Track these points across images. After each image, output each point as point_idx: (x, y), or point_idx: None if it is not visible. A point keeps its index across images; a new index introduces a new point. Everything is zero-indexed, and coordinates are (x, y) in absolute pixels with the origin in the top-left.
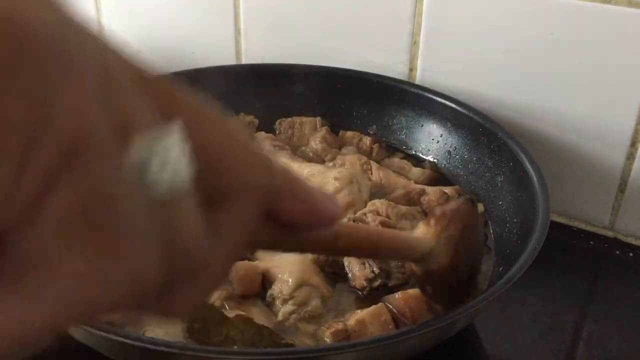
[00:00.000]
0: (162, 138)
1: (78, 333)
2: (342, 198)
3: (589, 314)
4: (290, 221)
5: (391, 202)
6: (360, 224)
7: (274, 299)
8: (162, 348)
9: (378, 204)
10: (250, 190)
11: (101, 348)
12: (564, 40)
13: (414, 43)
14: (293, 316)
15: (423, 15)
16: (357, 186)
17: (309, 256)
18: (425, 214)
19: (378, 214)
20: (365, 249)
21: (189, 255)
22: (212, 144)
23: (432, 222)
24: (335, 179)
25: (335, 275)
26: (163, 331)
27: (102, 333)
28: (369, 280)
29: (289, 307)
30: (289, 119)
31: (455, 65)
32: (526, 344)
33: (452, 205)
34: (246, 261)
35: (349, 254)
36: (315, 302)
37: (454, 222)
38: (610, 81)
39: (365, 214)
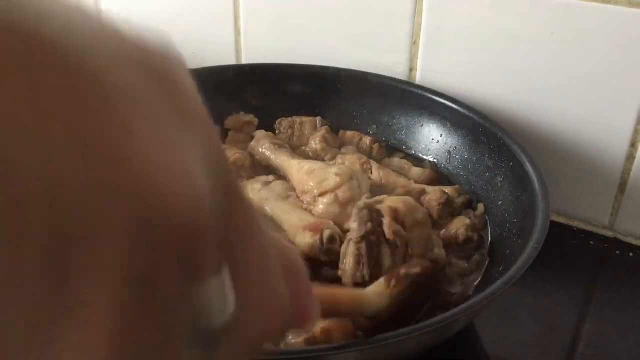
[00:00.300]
0: (214, 285)
1: None
2: (343, 194)
3: (589, 314)
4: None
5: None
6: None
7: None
8: None
9: (400, 203)
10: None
11: None
12: (564, 40)
13: (414, 43)
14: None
15: (423, 15)
16: (357, 182)
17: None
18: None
19: (397, 219)
20: (329, 310)
21: None
22: (249, 293)
23: (392, 282)
24: (336, 174)
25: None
26: None
27: None
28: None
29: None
30: (289, 118)
31: (455, 65)
32: (526, 344)
33: (417, 269)
34: None
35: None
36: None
37: (412, 286)
38: (610, 81)
39: (381, 222)
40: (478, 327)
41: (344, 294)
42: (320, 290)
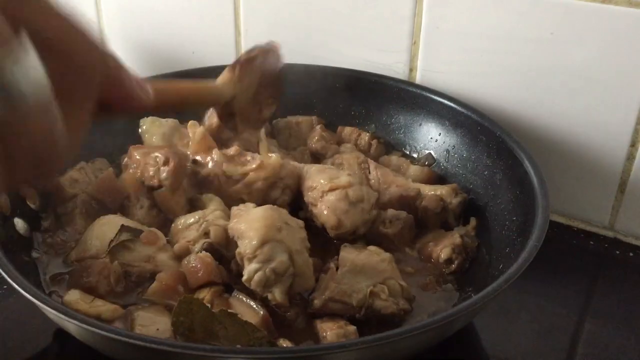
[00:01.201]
0: (13, 50)
1: (78, 332)
2: (353, 192)
3: (589, 314)
4: (110, 103)
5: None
6: (171, 80)
7: (241, 258)
8: (163, 347)
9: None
10: (90, 75)
11: (103, 347)
12: (564, 39)
13: (414, 43)
14: (258, 274)
15: (423, 15)
16: (366, 189)
17: (274, 214)
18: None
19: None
20: (178, 103)
21: (53, 150)
22: (58, 39)
23: (236, 69)
24: (349, 174)
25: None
26: (154, 328)
27: (103, 332)
28: None
29: (253, 265)
30: (285, 119)
31: (455, 65)
32: (526, 344)
33: (254, 52)
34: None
35: (165, 109)
36: (280, 258)
37: (254, 71)
38: (610, 81)
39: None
40: (478, 326)
41: (193, 87)
42: (181, 87)
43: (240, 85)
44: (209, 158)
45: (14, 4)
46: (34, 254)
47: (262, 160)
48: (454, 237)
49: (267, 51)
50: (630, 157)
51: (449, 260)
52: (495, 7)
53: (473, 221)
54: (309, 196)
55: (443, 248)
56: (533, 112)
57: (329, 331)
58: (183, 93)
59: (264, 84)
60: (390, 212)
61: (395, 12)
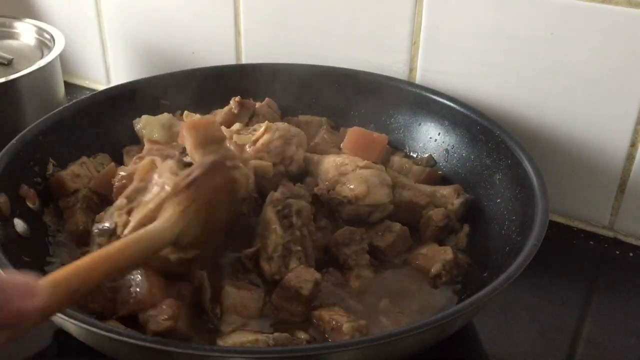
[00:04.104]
0: None
1: (78, 332)
2: (386, 176)
3: (589, 314)
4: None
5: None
6: (85, 258)
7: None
8: (163, 347)
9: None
10: None
11: (103, 347)
12: (563, 39)
13: (414, 43)
14: None
15: (423, 15)
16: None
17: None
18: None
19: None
20: (105, 278)
21: None
22: None
23: (176, 201)
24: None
25: None
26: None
27: (103, 332)
28: None
29: None
30: (296, 118)
31: (455, 65)
32: (526, 344)
33: (197, 172)
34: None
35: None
36: None
37: (200, 191)
38: (610, 81)
39: None
40: (478, 326)
41: (129, 240)
42: (98, 257)
43: (184, 217)
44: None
45: None
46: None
47: (268, 124)
48: (447, 253)
49: (210, 170)
50: (630, 157)
51: (438, 275)
52: (495, 7)
53: (466, 228)
54: (332, 173)
55: (434, 263)
56: (533, 112)
57: (345, 323)
58: (105, 265)
59: (214, 202)
60: (386, 223)
61: (395, 13)
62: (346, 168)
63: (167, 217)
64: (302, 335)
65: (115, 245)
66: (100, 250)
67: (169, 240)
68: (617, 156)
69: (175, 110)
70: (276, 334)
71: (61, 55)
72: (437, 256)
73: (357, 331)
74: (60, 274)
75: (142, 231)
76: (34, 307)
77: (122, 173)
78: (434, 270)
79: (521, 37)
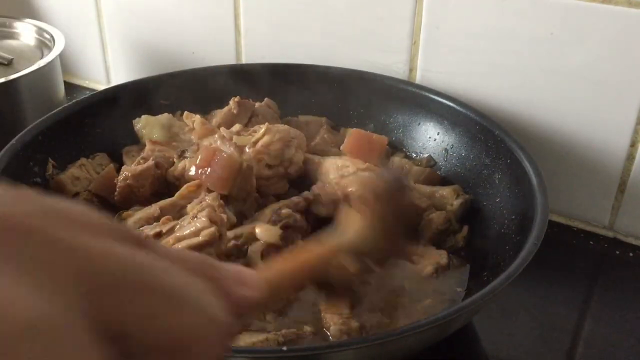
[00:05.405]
0: None
1: None
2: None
3: (589, 314)
4: None
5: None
6: (289, 260)
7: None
8: None
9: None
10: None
11: None
12: (563, 40)
13: (414, 43)
14: None
15: (423, 15)
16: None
17: None
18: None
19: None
20: (298, 286)
21: None
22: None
23: (361, 209)
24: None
25: None
26: None
27: None
28: None
29: None
30: (295, 118)
31: (455, 65)
32: (526, 344)
33: (378, 184)
34: None
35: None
36: None
37: (382, 202)
38: (610, 81)
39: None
40: (477, 326)
41: (324, 252)
42: (297, 264)
43: (373, 229)
44: (215, 137)
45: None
46: None
47: (268, 126)
48: (441, 257)
49: (398, 187)
50: (630, 157)
51: (429, 275)
52: (495, 7)
53: (465, 229)
54: (333, 175)
55: (427, 265)
56: (533, 112)
57: (333, 325)
58: (299, 273)
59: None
60: None
61: (395, 12)
62: (347, 170)
63: (357, 228)
64: (309, 328)
65: (316, 251)
66: (304, 254)
67: (361, 250)
68: (617, 156)
69: (175, 110)
70: (284, 331)
71: (61, 55)
72: (431, 258)
73: (346, 334)
74: (272, 272)
75: (333, 242)
76: (255, 298)
77: (126, 173)
78: (425, 271)
79: (521, 37)
